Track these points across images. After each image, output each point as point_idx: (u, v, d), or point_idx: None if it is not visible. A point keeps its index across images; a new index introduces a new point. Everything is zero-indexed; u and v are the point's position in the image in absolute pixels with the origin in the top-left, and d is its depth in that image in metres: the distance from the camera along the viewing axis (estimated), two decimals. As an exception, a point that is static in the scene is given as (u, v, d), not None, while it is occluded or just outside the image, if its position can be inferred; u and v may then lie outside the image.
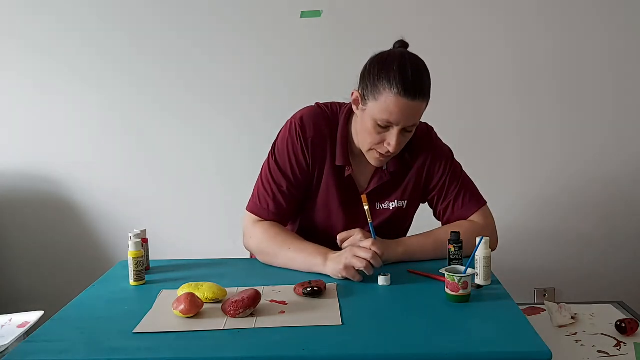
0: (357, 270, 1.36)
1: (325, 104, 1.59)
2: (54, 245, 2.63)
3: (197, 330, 1.13)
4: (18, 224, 2.62)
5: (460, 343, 1.06)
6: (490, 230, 1.54)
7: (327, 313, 1.20)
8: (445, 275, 1.25)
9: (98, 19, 2.51)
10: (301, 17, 2.49)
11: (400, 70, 1.36)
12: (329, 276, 1.40)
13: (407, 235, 1.65)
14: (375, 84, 1.38)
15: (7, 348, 1.43)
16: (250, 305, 1.18)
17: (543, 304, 1.64)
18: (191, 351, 1.05)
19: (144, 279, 1.43)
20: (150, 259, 1.54)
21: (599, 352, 1.37)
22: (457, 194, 1.58)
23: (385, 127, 1.41)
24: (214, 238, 2.58)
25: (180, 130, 2.58)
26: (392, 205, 1.59)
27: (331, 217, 1.59)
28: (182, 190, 2.61)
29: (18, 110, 2.56)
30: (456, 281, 1.22)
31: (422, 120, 1.48)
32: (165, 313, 1.21)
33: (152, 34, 2.52)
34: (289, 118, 1.58)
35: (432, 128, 1.64)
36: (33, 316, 1.62)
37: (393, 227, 1.60)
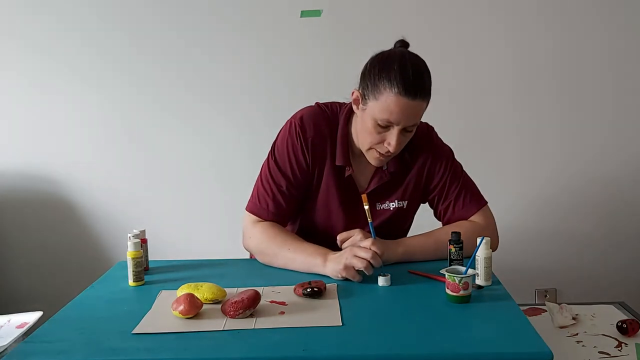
0: (357, 270, 1.36)
1: (325, 104, 1.59)
2: (54, 245, 2.63)
3: (197, 330, 1.13)
4: (18, 224, 2.63)
5: (461, 344, 1.06)
6: (490, 231, 1.54)
7: (327, 313, 1.19)
8: (446, 276, 1.24)
9: (98, 19, 2.51)
10: (301, 17, 2.49)
11: (400, 70, 1.35)
12: (328, 276, 1.40)
13: (408, 235, 1.65)
14: (376, 84, 1.38)
15: (6, 349, 1.42)
16: (250, 305, 1.18)
17: (544, 305, 1.63)
18: (191, 352, 1.05)
19: (143, 280, 1.42)
20: (149, 259, 1.54)
21: (600, 352, 1.37)
22: (458, 194, 1.57)
23: (385, 126, 1.40)
24: (214, 238, 2.58)
25: (180, 130, 2.58)
26: (392, 205, 1.58)
27: (331, 217, 1.59)
28: (181, 190, 2.61)
29: (18, 110, 2.56)
30: (457, 282, 1.22)
31: (422, 120, 1.47)
32: (165, 314, 1.20)
33: (152, 34, 2.52)
34: (288, 118, 1.58)
35: (433, 128, 1.64)
36: (32, 316, 1.61)
37: (393, 227, 1.60)
